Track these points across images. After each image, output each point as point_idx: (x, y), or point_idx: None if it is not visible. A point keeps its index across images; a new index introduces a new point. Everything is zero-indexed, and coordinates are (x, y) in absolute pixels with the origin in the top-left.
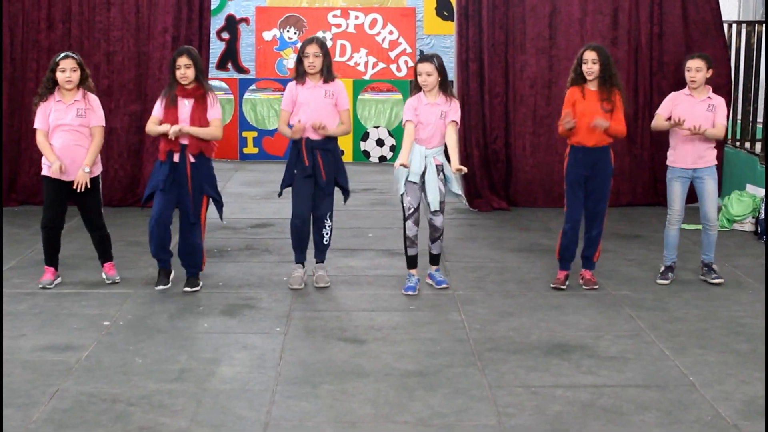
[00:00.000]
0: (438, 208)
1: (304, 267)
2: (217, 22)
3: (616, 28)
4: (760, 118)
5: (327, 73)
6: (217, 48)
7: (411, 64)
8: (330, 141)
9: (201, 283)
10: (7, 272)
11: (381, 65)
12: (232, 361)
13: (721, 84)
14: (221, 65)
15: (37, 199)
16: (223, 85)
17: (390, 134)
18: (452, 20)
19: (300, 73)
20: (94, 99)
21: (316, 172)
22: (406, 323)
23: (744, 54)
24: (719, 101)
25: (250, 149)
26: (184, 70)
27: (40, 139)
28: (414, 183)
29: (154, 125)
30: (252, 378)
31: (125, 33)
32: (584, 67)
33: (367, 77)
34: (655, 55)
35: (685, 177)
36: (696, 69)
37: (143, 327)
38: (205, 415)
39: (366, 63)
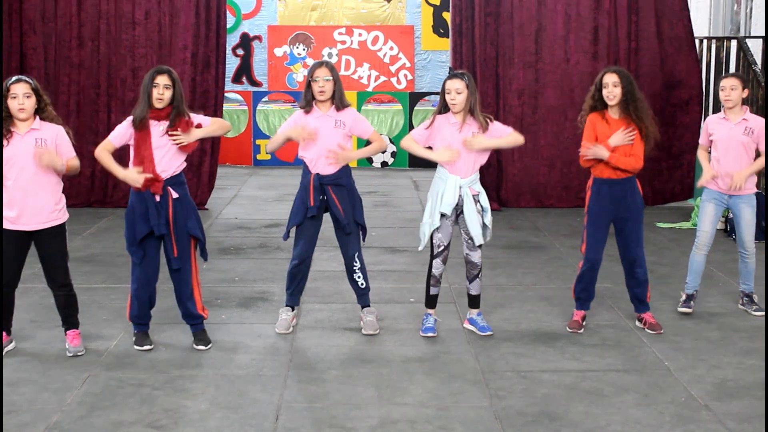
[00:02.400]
0: (482, 243)
1: (293, 311)
2: (232, 40)
3: (596, 43)
4: None
5: (339, 101)
6: (232, 63)
7: (410, 77)
8: (342, 175)
9: (210, 341)
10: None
11: (382, 78)
12: (248, 349)
13: (692, 95)
14: (236, 79)
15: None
16: (239, 97)
17: (391, 141)
18: (447, 37)
19: (308, 100)
20: (53, 128)
21: (333, 210)
22: (406, 314)
23: (714, 67)
24: (758, 123)
25: (263, 156)
26: (163, 90)
27: None
28: (446, 217)
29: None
30: (266, 364)
31: (149, 50)
32: (605, 92)
33: (369, 89)
34: (632, 68)
35: (721, 201)
36: (731, 87)
37: (166, 318)
38: (224, 398)
39: (369, 76)
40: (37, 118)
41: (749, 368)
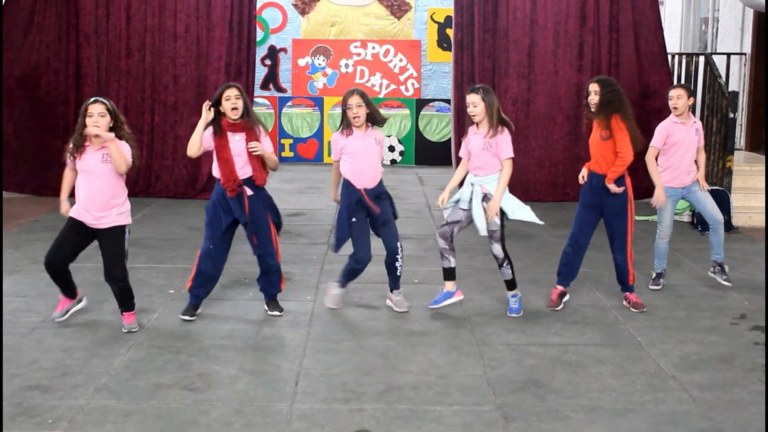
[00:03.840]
0: (485, 234)
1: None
2: (261, 51)
3: (581, 57)
4: None
5: (376, 119)
6: (261, 72)
7: (417, 85)
8: (382, 187)
9: (282, 309)
10: (94, 250)
11: (392, 86)
12: (272, 323)
13: (665, 104)
14: (264, 86)
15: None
16: (266, 101)
17: (399, 142)
18: (450, 50)
19: (346, 125)
20: (120, 143)
21: (370, 212)
22: (410, 293)
23: (684, 79)
24: (700, 125)
25: (287, 153)
26: (235, 101)
27: (64, 175)
28: (460, 207)
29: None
30: (287, 336)
31: (188, 60)
32: (588, 99)
33: (381, 96)
34: None
35: (676, 196)
36: (677, 96)
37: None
38: (250, 365)
39: (380, 84)
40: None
41: (711, 343)
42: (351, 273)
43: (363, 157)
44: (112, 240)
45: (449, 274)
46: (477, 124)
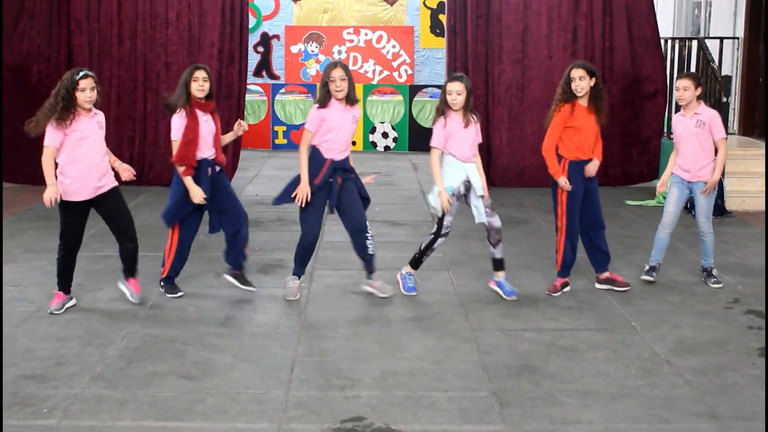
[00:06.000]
0: (483, 221)
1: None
2: (254, 38)
3: (575, 42)
4: None
5: (351, 97)
6: (253, 59)
7: (410, 72)
8: (347, 162)
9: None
10: (88, 239)
11: (385, 73)
12: (266, 310)
13: (658, 89)
14: (257, 73)
15: None
16: (259, 89)
17: (393, 128)
18: (443, 36)
19: (325, 97)
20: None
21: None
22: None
23: (677, 64)
24: (709, 115)
25: (281, 140)
26: (202, 83)
27: (47, 157)
28: (455, 197)
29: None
30: (282, 323)
31: (180, 47)
32: (573, 85)
33: (374, 82)
34: (606, 65)
35: (683, 185)
36: (684, 88)
37: (195, 283)
38: (246, 352)
39: (373, 71)
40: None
41: (705, 328)
42: (303, 254)
43: (340, 132)
44: (117, 199)
45: (497, 264)
46: (454, 112)
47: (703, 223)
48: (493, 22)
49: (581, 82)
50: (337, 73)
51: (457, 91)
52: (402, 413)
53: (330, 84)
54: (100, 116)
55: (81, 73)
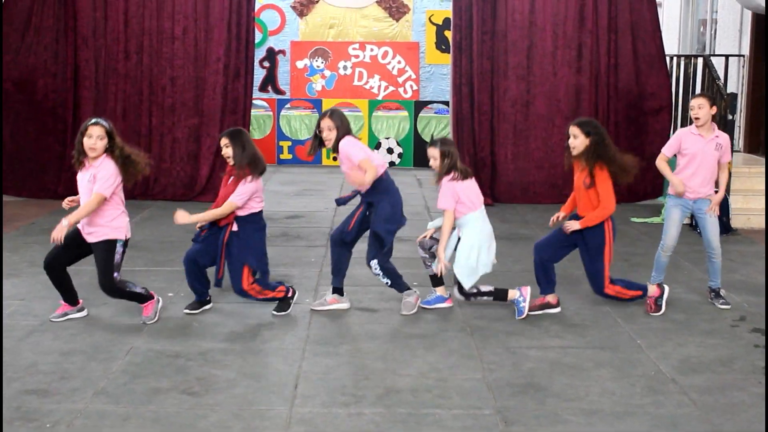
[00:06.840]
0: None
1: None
2: (259, 53)
3: (580, 59)
4: None
5: (336, 144)
6: (259, 74)
7: (415, 87)
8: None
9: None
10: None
11: (391, 88)
12: (271, 325)
13: (663, 106)
14: (263, 88)
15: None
16: (264, 103)
17: (398, 144)
18: (449, 52)
19: (315, 147)
20: (105, 166)
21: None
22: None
23: (683, 81)
24: (724, 138)
25: (286, 155)
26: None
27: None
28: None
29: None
30: (286, 339)
31: (186, 61)
32: (569, 141)
33: (379, 98)
34: (611, 82)
35: (686, 207)
36: (698, 106)
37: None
38: (249, 368)
39: (379, 86)
40: (104, 155)
41: (710, 346)
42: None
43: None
44: (99, 253)
45: (435, 280)
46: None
47: (714, 242)
48: (499, 39)
49: (575, 140)
50: (324, 124)
51: (433, 156)
52: (406, 431)
53: (320, 134)
54: (101, 169)
55: (92, 121)
